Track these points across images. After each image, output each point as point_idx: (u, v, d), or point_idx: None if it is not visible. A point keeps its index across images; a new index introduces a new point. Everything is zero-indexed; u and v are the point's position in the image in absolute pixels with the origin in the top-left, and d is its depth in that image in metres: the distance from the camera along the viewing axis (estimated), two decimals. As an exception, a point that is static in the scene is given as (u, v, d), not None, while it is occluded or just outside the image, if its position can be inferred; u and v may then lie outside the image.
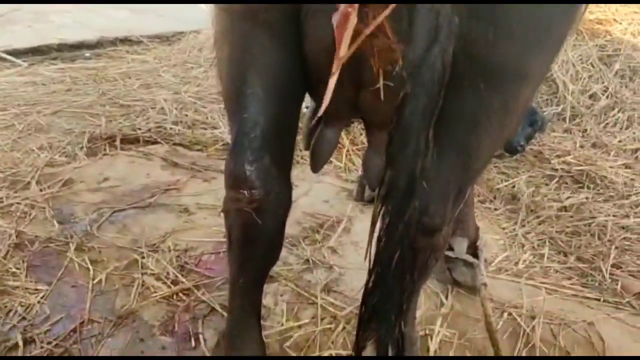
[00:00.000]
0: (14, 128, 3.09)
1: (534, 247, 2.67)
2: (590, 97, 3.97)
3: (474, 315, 2.05)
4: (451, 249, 2.09)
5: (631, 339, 2.07)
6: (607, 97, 3.93)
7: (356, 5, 0.89)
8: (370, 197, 2.78)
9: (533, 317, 2.06)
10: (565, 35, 1.13)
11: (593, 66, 4.09)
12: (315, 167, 1.47)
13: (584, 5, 1.16)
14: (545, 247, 2.67)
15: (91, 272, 2.01)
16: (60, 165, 2.70)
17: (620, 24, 4.37)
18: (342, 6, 0.90)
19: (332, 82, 0.99)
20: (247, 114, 1.15)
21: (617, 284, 2.42)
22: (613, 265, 2.56)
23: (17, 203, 2.30)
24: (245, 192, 1.19)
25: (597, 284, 2.43)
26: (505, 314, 2.07)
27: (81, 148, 2.89)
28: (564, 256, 2.64)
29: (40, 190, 2.43)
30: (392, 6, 0.91)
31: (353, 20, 0.90)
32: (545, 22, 1.04)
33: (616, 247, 2.71)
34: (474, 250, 2.11)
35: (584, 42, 4.23)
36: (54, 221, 2.25)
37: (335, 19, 0.91)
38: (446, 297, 2.12)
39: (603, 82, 4.00)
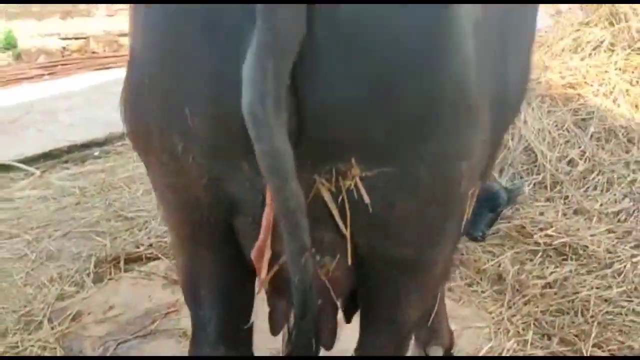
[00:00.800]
0: (27, 258, 3.35)
1: (518, 332, 2.80)
2: (569, 162, 4.13)
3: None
4: (428, 357, 2.24)
5: None
6: (585, 161, 4.09)
7: (268, 242, 1.09)
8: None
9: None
10: (461, 224, 1.30)
11: (568, 131, 4.27)
12: (274, 332, 1.63)
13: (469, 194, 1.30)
14: (530, 331, 2.80)
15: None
16: (70, 297, 2.92)
17: (592, 85, 4.57)
18: (257, 242, 1.09)
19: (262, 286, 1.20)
20: (201, 312, 1.35)
21: (599, 368, 2.54)
22: (594, 345, 2.68)
23: (31, 346, 2.51)
24: None
25: (580, 370, 2.55)
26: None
27: (88, 274, 3.12)
28: (547, 339, 2.76)
29: (52, 328, 2.64)
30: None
31: (267, 253, 1.10)
32: (438, 222, 1.21)
33: (598, 323, 2.83)
34: (449, 355, 2.26)
35: (558, 107, 4.43)
36: (64, 360, 2.45)
37: (253, 253, 1.10)
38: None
39: (580, 147, 4.17)
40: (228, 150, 1.00)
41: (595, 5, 5.16)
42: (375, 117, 0.94)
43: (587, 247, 3.40)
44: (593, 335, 2.72)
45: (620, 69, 4.65)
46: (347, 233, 1.08)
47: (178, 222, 1.28)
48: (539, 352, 2.64)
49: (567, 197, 3.95)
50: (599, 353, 2.63)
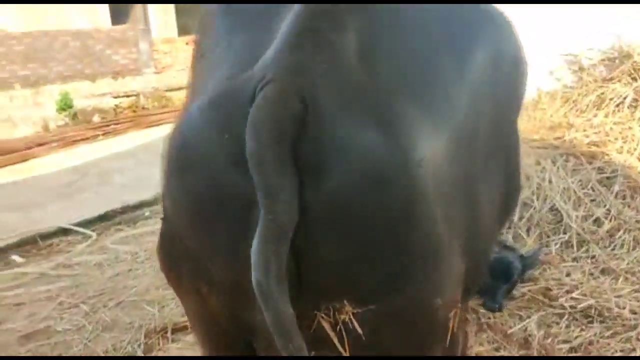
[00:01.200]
0: (85, 329, 3.68)
1: (542, 400, 2.92)
2: (595, 221, 4.23)
3: None
4: None
5: None
6: (611, 219, 4.18)
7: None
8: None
9: None
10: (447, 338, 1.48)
11: (593, 190, 4.38)
12: None
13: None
14: (552, 398, 2.91)
15: None
16: (123, 369, 3.23)
17: (615, 142, 4.68)
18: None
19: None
20: None
21: None
22: (617, 412, 2.78)
23: None
24: None
25: None
26: None
27: (139, 345, 3.42)
28: (572, 406, 2.87)
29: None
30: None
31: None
32: (423, 344, 1.41)
33: (623, 389, 2.92)
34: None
35: (583, 166, 4.56)
36: None
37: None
38: None
39: (605, 205, 4.27)
40: (244, 294, 1.25)
41: (617, 61, 5.29)
42: (360, 272, 1.19)
43: (612, 308, 3.49)
44: (615, 401, 2.81)
45: (643, 125, 4.75)
46: (346, 353, 1.30)
47: (205, 339, 1.53)
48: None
49: (593, 256, 4.05)
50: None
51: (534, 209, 4.40)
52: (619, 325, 3.40)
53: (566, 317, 3.52)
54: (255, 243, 1.10)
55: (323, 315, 1.25)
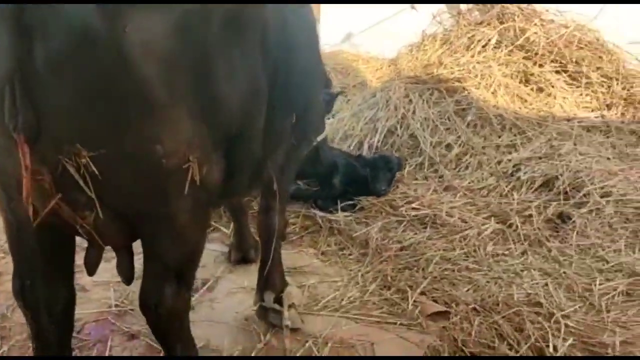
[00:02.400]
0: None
1: (365, 284, 3.39)
2: (447, 147, 4.73)
3: (283, 348, 2.77)
4: (263, 300, 2.82)
5: (403, 352, 2.78)
6: (460, 145, 4.69)
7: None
8: (238, 257, 3.53)
9: (327, 343, 2.78)
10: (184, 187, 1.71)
11: (449, 119, 4.87)
12: (89, 273, 2.13)
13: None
14: (374, 283, 3.38)
15: None
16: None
17: (475, 79, 5.17)
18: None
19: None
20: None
21: (417, 309, 3.13)
22: (422, 293, 3.27)
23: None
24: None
25: (401, 310, 3.13)
26: (307, 343, 2.79)
27: None
28: (387, 290, 3.34)
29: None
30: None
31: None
32: (157, 185, 1.66)
33: (433, 277, 3.42)
34: (279, 300, 2.83)
35: (445, 99, 5.03)
36: None
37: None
38: (265, 336, 2.84)
39: (457, 133, 4.77)
40: None
41: (489, 6, 5.76)
42: (84, 118, 1.47)
43: (443, 217, 4.00)
44: (423, 285, 3.31)
45: (502, 64, 5.26)
46: (92, 194, 1.60)
47: None
48: (375, 299, 3.22)
49: (441, 176, 4.55)
50: (422, 299, 3.21)
51: (397, 135, 4.86)
52: (447, 230, 3.91)
53: (404, 223, 4.00)
54: None
55: (66, 159, 1.53)
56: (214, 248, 3.77)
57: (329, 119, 4.83)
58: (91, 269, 1.97)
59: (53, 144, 1.50)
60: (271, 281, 2.85)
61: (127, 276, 1.98)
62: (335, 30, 7.81)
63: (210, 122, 1.69)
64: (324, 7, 7.88)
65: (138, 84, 1.48)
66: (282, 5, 2.06)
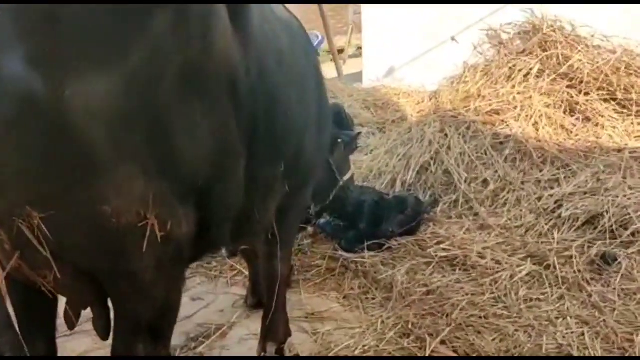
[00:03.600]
0: None
1: (383, 332, 3.23)
2: (483, 182, 4.52)
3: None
4: (265, 350, 2.75)
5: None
6: (496, 181, 4.47)
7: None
8: (254, 302, 3.48)
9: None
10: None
11: (486, 154, 4.66)
12: (69, 327, 2.11)
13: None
14: (393, 331, 3.22)
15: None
16: None
17: (514, 110, 4.95)
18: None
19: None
20: None
21: (434, 359, 2.95)
22: (442, 342, 3.09)
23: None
24: None
25: (418, 361, 2.96)
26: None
27: None
28: (406, 338, 3.18)
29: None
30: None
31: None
32: (112, 243, 1.62)
33: (457, 325, 3.22)
34: (281, 351, 2.75)
35: (482, 133, 4.83)
36: None
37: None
38: (269, 387, 2.76)
39: (494, 168, 4.55)
40: None
41: (531, 34, 5.54)
42: (32, 179, 1.45)
43: (474, 258, 3.79)
44: (444, 333, 3.12)
45: (544, 94, 5.01)
46: (47, 254, 1.59)
47: None
48: (390, 348, 3.07)
49: (476, 214, 4.34)
50: (442, 350, 3.03)
51: (431, 172, 4.70)
52: (478, 273, 3.70)
53: (433, 265, 3.82)
54: None
55: (20, 221, 1.55)
56: (235, 292, 3.75)
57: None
58: (69, 323, 1.98)
59: (5, 206, 1.52)
60: (273, 331, 2.79)
61: (102, 332, 1.96)
62: (377, 65, 7.77)
63: (170, 178, 1.67)
64: (366, 42, 7.89)
65: (81, 147, 1.48)
66: (266, 47, 2.03)
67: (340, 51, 15.63)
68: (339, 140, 3.73)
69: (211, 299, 3.66)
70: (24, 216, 1.52)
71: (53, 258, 1.61)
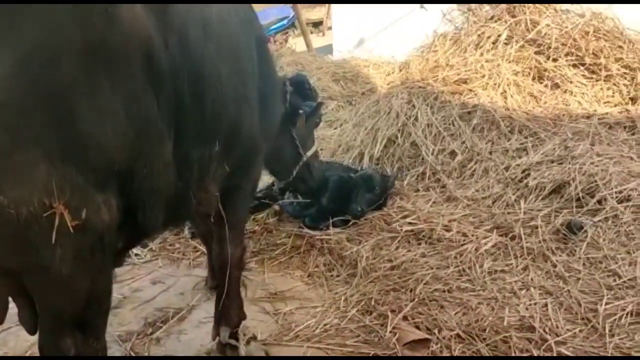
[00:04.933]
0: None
1: (345, 310, 3.17)
2: (450, 154, 4.44)
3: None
4: (219, 334, 2.67)
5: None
6: (464, 152, 4.39)
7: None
8: (213, 284, 3.39)
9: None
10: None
11: (453, 124, 4.57)
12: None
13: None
14: (355, 308, 3.16)
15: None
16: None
17: (482, 79, 4.84)
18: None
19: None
20: None
21: (395, 336, 2.89)
22: (405, 318, 3.03)
23: None
24: None
25: (378, 339, 2.91)
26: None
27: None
28: (369, 315, 3.12)
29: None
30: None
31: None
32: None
33: (421, 300, 3.17)
34: (235, 335, 2.67)
35: (449, 103, 4.73)
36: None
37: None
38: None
39: (462, 139, 4.47)
40: None
41: (499, -1, 5.40)
42: None
43: (439, 231, 3.72)
44: (406, 309, 3.06)
45: (512, 61, 4.90)
46: None
47: None
48: (352, 326, 3.01)
49: (444, 186, 4.27)
50: (403, 325, 2.97)
51: (398, 145, 4.61)
52: (443, 246, 3.64)
53: (398, 239, 3.76)
54: None
55: None
56: (197, 274, 3.66)
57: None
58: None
59: None
60: (227, 315, 2.70)
61: (28, 326, 1.86)
62: (347, 37, 7.60)
63: (79, 163, 1.55)
64: (336, 13, 7.70)
65: None
66: (188, 17, 1.89)
67: (319, 23, 15.37)
68: (300, 112, 3.58)
69: (172, 282, 3.57)
70: None
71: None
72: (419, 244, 3.73)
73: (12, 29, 1.39)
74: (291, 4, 9.81)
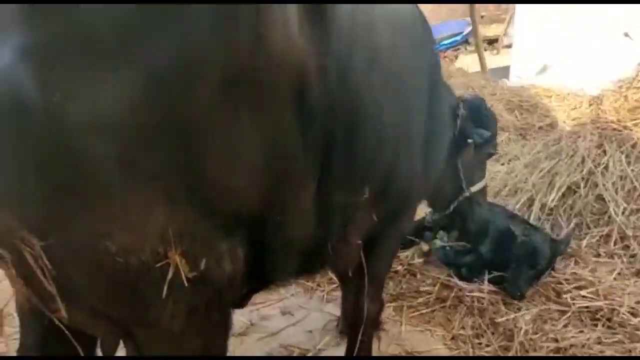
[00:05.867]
0: None
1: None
2: (645, 216, 3.66)
3: None
4: None
5: None
6: (665, 216, 3.58)
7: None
8: (344, 329, 3.05)
9: None
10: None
11: (654, 181, 3.77)
12: None
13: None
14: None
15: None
16: None
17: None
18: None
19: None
20: None
21: None
22: None
23: None
24: None
25: None
26: None
27: None
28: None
29: None
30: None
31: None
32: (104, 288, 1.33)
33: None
34: None
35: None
36: None
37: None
38: None
39: (663, 200, 3.66)
40: None
41: None
42: (29, 203, 1.17)
43: (623, 313, 3.03)
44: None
45: None
46: (51, 287, 1.29)
47: None
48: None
49: (633, 255, 3.52)
50: None
51: (579, 196, 3.91)
52: (627, 334, 2.94)
53: (568, 315, 3.12)
54: None
55: (23, 245, 1.25)
56: (329, 310, 3.36)
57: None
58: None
59: (6, 227, 1.24)
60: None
61: None
62: (529, 60, 6.84)
63: (204, 207, 1.29)
64: (518, 33, 6.97)
65: (79, 164, 1.14)
66: (354, 43, 1.57)
67: (494, 40, 14.42)
68: (469, 141, 3.08)
69: (302, 315, 3.30)
70: (24, 240, 1.23)
71: (62, 293, 1.31)
72: (595, 325, 3.06)
73: (138, 44, 1.15)
74: (469, 18, 9.19)
